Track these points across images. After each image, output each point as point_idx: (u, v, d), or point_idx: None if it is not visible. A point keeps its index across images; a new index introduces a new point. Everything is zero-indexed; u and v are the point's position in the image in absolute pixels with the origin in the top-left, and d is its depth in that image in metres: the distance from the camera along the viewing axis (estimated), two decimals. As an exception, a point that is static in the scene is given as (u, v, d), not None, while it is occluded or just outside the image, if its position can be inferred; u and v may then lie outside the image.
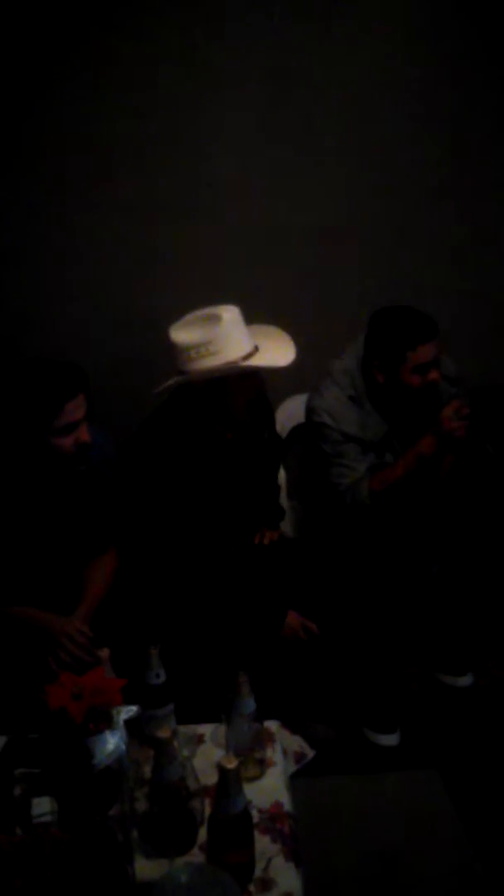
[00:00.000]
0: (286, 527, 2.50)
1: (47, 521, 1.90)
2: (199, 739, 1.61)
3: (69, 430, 1.79)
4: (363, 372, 2.22)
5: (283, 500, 2.52)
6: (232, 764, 1.20)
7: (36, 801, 1.38)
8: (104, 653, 1.53)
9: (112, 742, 1.19)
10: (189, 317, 1.96)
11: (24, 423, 1.77)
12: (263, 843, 1.34)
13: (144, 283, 2.60)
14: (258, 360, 1.95)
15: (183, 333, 1.92)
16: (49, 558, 1.92)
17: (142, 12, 2.36)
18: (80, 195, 2.50)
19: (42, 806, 1.36)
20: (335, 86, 2.50)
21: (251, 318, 1.99)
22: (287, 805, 1.44)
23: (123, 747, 1.21)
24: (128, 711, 1.24)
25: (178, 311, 1.99)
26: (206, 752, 1.56)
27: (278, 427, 2.48)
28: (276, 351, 2.01)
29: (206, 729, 1.62)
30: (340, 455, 2.19)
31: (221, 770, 1.21)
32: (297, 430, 2.56)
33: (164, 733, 1.28)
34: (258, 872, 1.29)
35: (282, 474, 2.52)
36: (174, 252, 2.58)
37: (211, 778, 1.43)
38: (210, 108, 2.47)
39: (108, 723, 1.18)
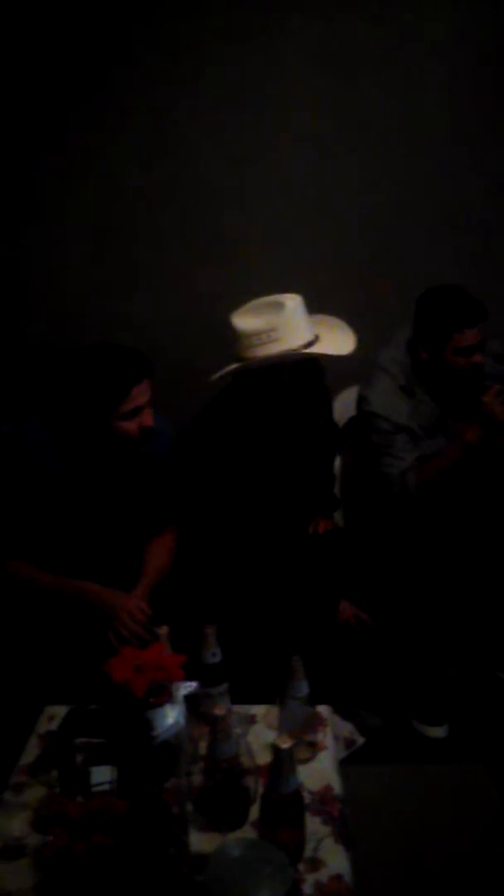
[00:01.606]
0: (340, 516, 2.51)
1: (109, 500, 1.96)
2: (252, 720, 1.64)
3: (134, 414, 1.83)
4: (410, 351, 2.21)
5: (338, 490, 2.53)
6: (287, 744, 1.23)
7: (95, 769, 1.44)
8: (163, 630, 1.56)
9: (171, 716, 1.23)
10: (251, 304, 1.99)
11: (91, 406, 1.82)
12: (314, 825, 1.37)
13: (204, 271, 2.62)
14: (318, 349, 1.96)
15: (245, 320, 1.94)
16: (110, 536, 1.98)
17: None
18: (140, 185, 2.54)
19: (101, 775, 1.42)
20: (398, 77, 2.47)
21: (309, 308, 2.01)
22: (337, 789, 1.46)
23: (182, 722, 1.25)
24: (187, 687, 1.27)
25: (236, 301, 2.02)
26: (259, 733, 1.59)
27: (336, 417, 2.49)
28: (337, 340, 2.03)
29: (258, 710, 1.66)
30: (389, 445, 2.19)
31: (276, 750, 1.24)
32: (352, 421, 2.56)
33: (220, 710, 1.32)
34: (308, 853, 1.32)
35: (337, 464, 2.53)
36: (234, 241, 2.60)
37: (263, 758, 1.48)
38: (275, 100, 2.48)
39: (168, 697, 1.22)
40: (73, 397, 1.85)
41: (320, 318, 2.09)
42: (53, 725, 1.62)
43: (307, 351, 1.95)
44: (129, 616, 1.85)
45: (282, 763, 1.24)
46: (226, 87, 2.46)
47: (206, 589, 1.97)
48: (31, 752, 1.56)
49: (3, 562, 1.93)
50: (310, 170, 2.54)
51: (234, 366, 1.98)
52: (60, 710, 1.65)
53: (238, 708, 1.63)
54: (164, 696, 1.21)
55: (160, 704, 1.21)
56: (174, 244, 2.60)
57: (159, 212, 2.57)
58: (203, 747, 1.44)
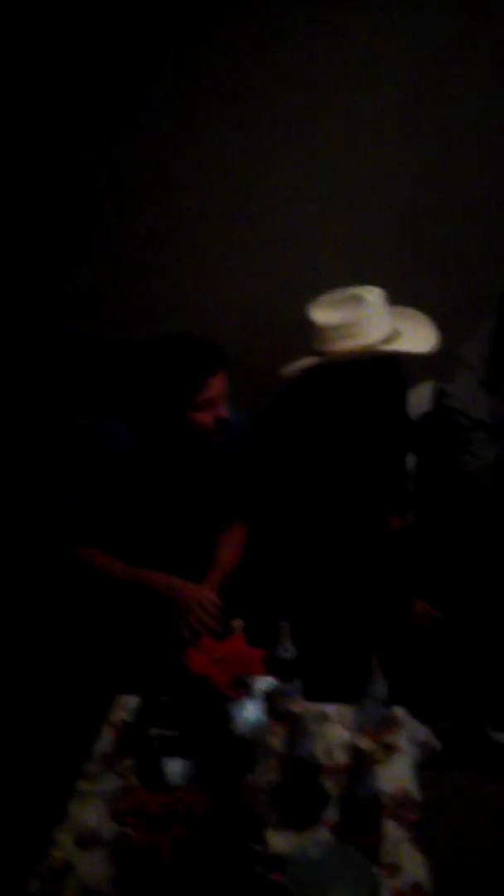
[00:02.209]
0: (413, 513, 2.45)
1: (182, 491, 1.96)
2: (326, 718, 1.61)
3: (209, 406, 1.83)
4: (494, 345, 2.13)
5: (411, 486, 2.47)
6: (367, 745, 1.20)
7: (169, 762, 1.43)
8: (237, 623, 1.54)
9: (251, 711, 1.20)
10: (329, 296, 1.94)
11: (166, 397, 1.82)
12: (390, 829, 1.33)
13: (275, 263, 2.59)
14: (399, 345, 1.91)
15: (323, 313, 1.90)
16: (182, 527, 1.98)
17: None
18: (214, 180, 2.53)
19: (175, 767, 1.41)
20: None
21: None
22: (413, 793, 1.42)
23: (263, 717, 1.22)
24: (266, 682, 1.25)
25: (310, 293, 1.97)
26: (333, 732, 1.56)
27: (409, 411, 2.43)
28: (418, 336, 1.97)
29: (332, 709, 1.62)
30: (468, 441, 2.12)
31: (356, 751, 1.20)
32: (427, 417, 2.50)
33: (298, 708, 1.30)
34: (385, 857, 1.28)
35: (410, 460, 2.47)
36: (308, 233, 2.56)
37: (339, 757, 1.45)
38: (342, 88, 2.43)
39: (247, 691, 1.20)
40: (149, 389, 1.86)
41: (401, 310, 2.03)
42: (126, 714, 1.62)
43: (386, 347, 1.89)
44: (200, 607, 1.84)
45: (362, 764, 1.21)
46: (289, 80, 2.42)
47: (279, 584, 1.94)
48: (105, 740, 1.57)
49: (73, 549, 1.94)
50: (380, 160, 2.48)
51: (309, 360, 1.94)
52: (133, 700, 1.66)
53: (311, 705, 1.60)
54: (243, 690, 1.19)
55: (240, 698, 1.18)
56: (243, 234, 2.58)
57: (224, 201, 2.55)
58: (275, 743, 1.42)
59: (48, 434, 2.39)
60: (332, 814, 1.31)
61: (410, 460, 2.44)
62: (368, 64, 2.40)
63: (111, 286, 2.63)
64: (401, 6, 2.34)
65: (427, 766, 1.60)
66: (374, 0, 2.35)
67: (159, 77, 2.45)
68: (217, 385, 1.82)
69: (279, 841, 1.26)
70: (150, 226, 2.59)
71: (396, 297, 2.03)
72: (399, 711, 1.58)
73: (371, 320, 1.86)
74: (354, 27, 2.37)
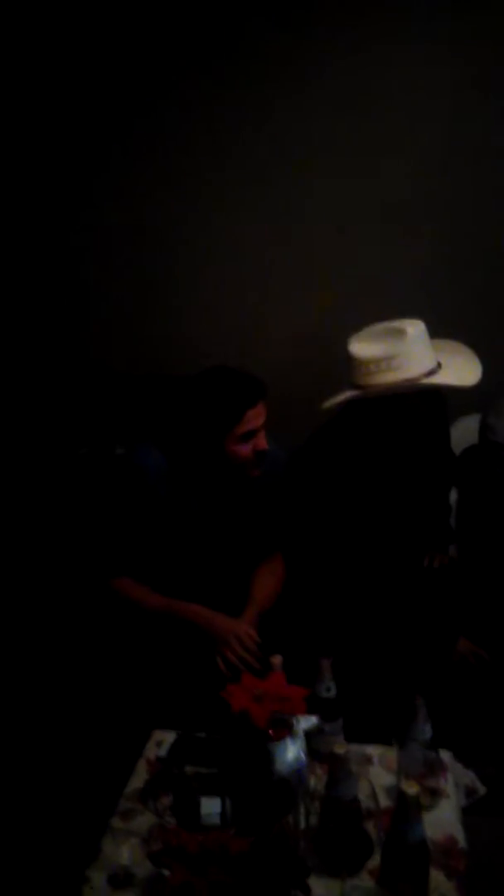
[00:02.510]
0: (455, 550, 2.40)
1: (220, 523, 1.94)
2: (368, 760, 1.56)
3: (248, 438, 1.82)
4: None
5: (453, 522, 2.42)
6: (414, 790, 1.15)
7: (205, 801, 1.39)
8: (276, 660, 1.51)
9: (292, 751, 1.17)
10: (370, 329, 1.91)
11: (205, 429, 1.81)
12: (436, 879, 1.27)
13: (316, 296, 2.59)
14: (442, 379, 1.87)
15: (363, 346, 1.87)
16: (219, 560, 1.95)
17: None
18: (247, 208, 2.55)
19: (210, 806, 1.37)
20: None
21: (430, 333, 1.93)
22: (462, 841, 1.36)
23: (304, 758, 1.19)
24: (307, 721, 1.21)
25: (350, 326, 1.95)
26: (375, 775, 1.51)
27: (452, 445, 2.39)
28: (461, 369, 1.93)
29: (374, 750, 1.58)
30: None
31: (402, 795, 1.16)
32: (470, 451, 2.45)
33: (340, 749, 1.25)
34: (431, 909, 1.22)
35: (453, 495, 2.42)
36: (346, 262, 2.56)
37: (383, 801, 1.39)
38: (387, 117, 2.45)
39: (289, 730, 1.16)
40: (188, 420, 1.85)
41: (443, 343, 2.00)
42: (162, 750, 1.59)
43: (428, 381, 1.86)
44: (238, 641, 1.81)
45: (408, 810, 1.16)
46: (335, 99, 2.44)
47: (319, 620, 1.90)
48: (140, 776, 1.54)
49: (109, 580, 1.93)
50: (418, 187, 2.48)
51: (349, 393, 1.91)
52: (169, 736, 1.63)
53: (353, 747, 1.55)
54: (285, 729, 1.15)
55: (281, 738, 1.15)
56: (282, 266, 2.59)
57: (261, 233, 2.56)
58: (315, 785, 1.38)
59: (86, 464, 2.40)
60: (375, 861, 1.26)
61: (452, 495, 2.40)
62: (402, 90, 2.41)
63: (145, 319, 2.66)
64: (431, 32, 2.36)
65: (470, 811, 1.54)
66: (406, 27, 2.37)
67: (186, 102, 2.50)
68: (256, 417, 1.81)
69: (320, 888, 1.21)
70: (186, 258, 2.63)
71: (440, 330, 2.01)
72: (444, 755, 1.53)
73: (413, 353, 1.83)
74: (389, 53, 2.39)
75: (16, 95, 2.57)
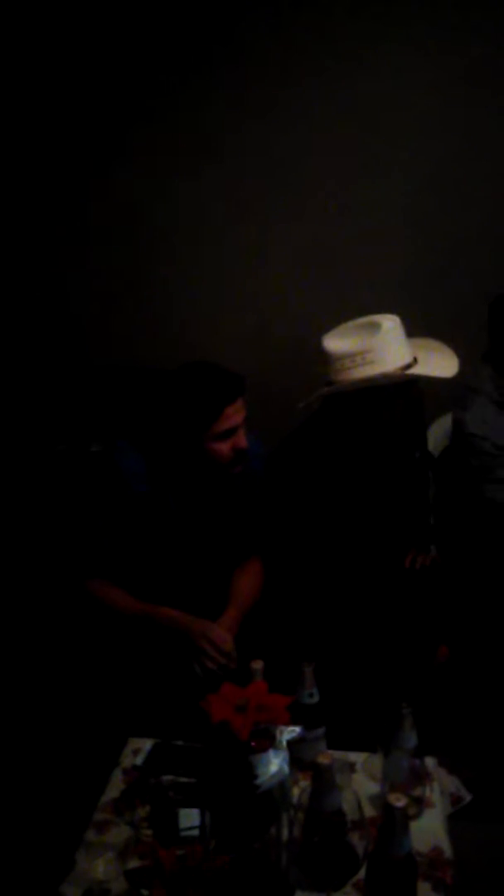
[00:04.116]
0: (435, 549, 2.37)
1: (199, 522, 1.89)
2: (351, 768, 1.52)
3: (228, 435, 1.76)
4: (498, 368, 2.06)
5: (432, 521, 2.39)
6: (401, 802, 1.11)
7: (183, 812, 1.34)
8: (257, 665, 1.46)
9: (275, 763, 1.12)
10: (343, 326, 1.88)
11: (183, 426, 1.76)
12: (423, 891, 1.23)
13: (292, 291, 2.55)
14: (418, 370, 1.84)
15: (337, 341, 1.83)
16: (197, 560, 1.90)
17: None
18: (229, 206, 2.50)
19: (189, 818, 1.32)
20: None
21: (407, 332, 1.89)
22: (448, 851, 1.33)
23: (287, 770, 1.14)
24: (290, 732, 1.16)
25: (330, 320, 1.91)
26: (359, 783, 1.47)
27: (430, 447, 2.36)
28: (438, 362, 1.90)
29: (357, 757, 1.54)
30: (492, 469, 2.05)
31: (389, 809, 1.11)
32: (447, 451, 2.43)
33: (324, 759, 1.20)
34: (419, 924, 1.18)
35: (431, 493, 2.39)
36: (324, 259, 2.51)
37: (366, 812, 1.35)
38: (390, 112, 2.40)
39: (271, 741, 1.11)
40: (165, 417, 1.80)
41: (419, 341, 1.97)
42: (138, 759, 1.54)
43: (407, 372, 1.82)
44: (212, 645, 1.76)
45: (395, 824, 1.11)
46: (333, 100, 2.39)
47: (300, 623, 1.85)
48: (115, 786, 1.48)
49: (83, 581, 1.87)
50: (396, 184, 2.45)
51: (324, 390, 1.87)
52: (145, 744, 1.58)
53: (336, 754, 1.51)
54: (267, 740, 1.10)
55: (264, 750, 1.10)
56: (259, 262, 2.53)
57: (238, 226, 2.51)
58: (302, 797, 1.33)
59: (63, 461, 2.33)
60: (360, 874, 1.22)
61: (431, 493, 2.37)
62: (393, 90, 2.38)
63: (125, 310, 2.60)
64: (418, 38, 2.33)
65: (456, 816, 1.50)
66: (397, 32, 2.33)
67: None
68: (236, 414, 1.76)
69: (304, 904, 1.17)
70: (163, 248, 2.56)
71: (417, 329, 1.97)
72: (429, 762, 1.49)
73: (388, 347, 1.79)
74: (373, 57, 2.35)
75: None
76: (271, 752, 1.11)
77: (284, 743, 1.13)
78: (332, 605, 1.89)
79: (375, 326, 1.79)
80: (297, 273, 2.56)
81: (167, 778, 1.45)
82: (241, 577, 1.96)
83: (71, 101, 2.47)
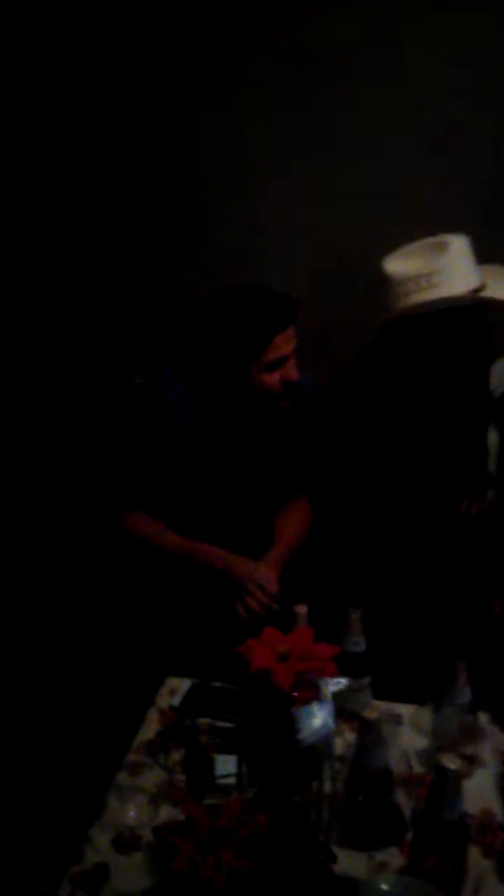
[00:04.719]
0: (494, 496, 2.23)
1: (245, 458, 1.79)
2: (397, 720, 1.43)
3: (277, 366, 1.64)
4: None
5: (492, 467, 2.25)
6: (455, 765, 1.02)
7: (220, 759, 1.28)
8: (302, 609, 1.37)
9: (319, 717, 1.03)
10: (406, 247, 1.72)
11: (229, 356, 1.64)
12: (473, 857, 1.15)
13: (351, 215, 2.35)
14: (489, 293, 1.68)
15: (399, 263, 1.68)
16: (242, 497, 1.81)
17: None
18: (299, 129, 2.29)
19: (226, 765, 1.26)
20: None
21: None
22: (500, 815, 1.24)
23: (331, 724, 1.05)
24: (336, 684, 1.07)
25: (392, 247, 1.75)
26: (405, 737, 1.38)
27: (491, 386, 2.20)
28: None
29: (405, 710, 1.45)
30: None
31: (440, 770, 1.02)
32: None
33: (370, 714, 1.12)
34: (467, 892, 1.10)
35: (492, 438, 2.24)
36: (389, 182, 2.30)
37: (413, 768, 1.27)
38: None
39: (315, 693, 1.02)
40: (211, 346, 1.68)
41: (490, 268, 1.80)
42: (175, 700, 1.48)
43: (477, 295, 1.66)
44: (256, 585, 1.67)
45: (446, 786, 1.03)
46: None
47: (348, 567, 1.76)
48: (150, 728, 1.43)
49: (122, 515, 1.79)
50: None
51: (382, 316, 1.72)
52: (183, 684, 1.52)
53: (381, 705, 1.43)
54: (312, 692, 1.02)
55: (307, 702, 1.01)
56: (317, 181, 2.33)
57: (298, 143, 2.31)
58: (345, 751, 1.26)
59: (105, 392, 2.24)
60: (407, 835, 1.14)
61: (492, 439, 2.22)
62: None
63: (175, 234, 2.44)
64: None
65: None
66: None
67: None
68: (286, 343, 1.63)
69: (347, 865, 1.10)
70: (215, 172, 2.39)
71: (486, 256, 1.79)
72: (483, 718, 1.40)
73: (455, 268, 1.63)
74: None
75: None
76: (315, 705, 1.02)
77: (330, 696, 1.04)
78: (381, 549, 1.79)
79: (442, 246, 1.63)
80: (360, 197, 2.35)
81: (204, 721, 1.39)
82: (287, 515, 1.87)
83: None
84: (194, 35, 2.23)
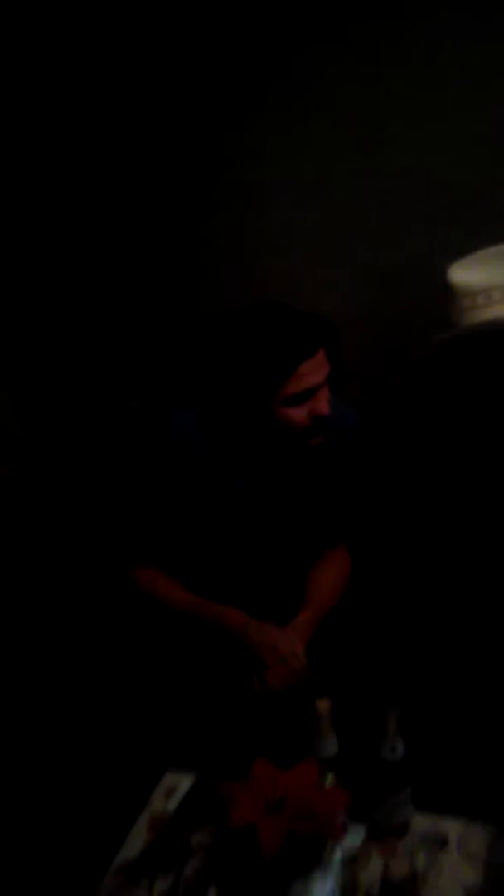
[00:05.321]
0: None
1: (269, 504, 1.53)
2: (443, 842, 1.15)
3: (303, 399, 1.37)
4: None
5: None
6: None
7: (213, 890, 1.03)
8: (323, 706, 1.11)
9: (320, 889, 0.76)
10: (479, 253, 1.46)
11: (248, 387, 1.38)
12: None
13: (407, 220, 2.05)
14: None
15: (471, 272, 1.42)
16: (268, 551, 1.56)
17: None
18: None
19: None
20: None
21: None
22: None
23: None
24: (347, 846, 0.80)
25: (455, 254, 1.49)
26: (452, 866, 1.10)
27: None
28: None
29: (452, 826, 1.16)
30: None
31: None
32: None
33: (400, 872, 0.84)
34: None
35: None
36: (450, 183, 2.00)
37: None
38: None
39: (316, 860, 0.76)
40: (224, 376, 1.43)
41: None
42: (171, 803, 1.23)
43: None
44: (284, 661, 1.41)
45: None
46: None
47: (388, 648, 1.47)
48: (138, 840, 1.18)
49: (131, 569, 1.57)
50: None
51: (449, 332, 1.46)
52: (184, 781, 1.27)
53: (421, 819, 1.15)
54: (310, 857, 0.75)
55: (304, 872, 0.75)
56: (367, 182, 2.04)
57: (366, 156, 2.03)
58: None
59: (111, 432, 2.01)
60: None
61: None
62: None
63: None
64: None
65: None
66: None
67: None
68: (314, 372, 1.36)
69: None
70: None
71: None
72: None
73: None
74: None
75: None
76: (316, 877, 0.76)
77: (337, 861, 0.77)
78: (434, 622, 1.49)
79: None
80: (416, 200, 2.05)
81: (202, 837, 1.14)
82: (321, 569, 1.60)
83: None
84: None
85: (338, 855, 0.78)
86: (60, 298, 2.30)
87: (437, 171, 1.88)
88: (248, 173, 2.02)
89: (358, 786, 1.08)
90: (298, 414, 1.38)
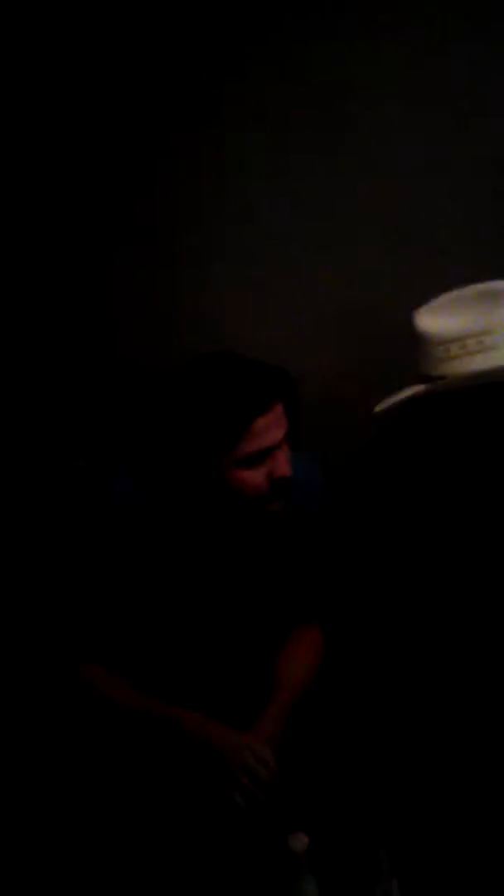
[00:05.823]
0: None
1: (226, 581, 1.37)
2: None
3: (259, 459, 1.22)
4: None
5: None
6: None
7: None
8: (299, 843, 0.90)
9: None
10: (448, 297, 1.37)
11: (195, 448, 1.23)
12: None
13: (371, 259, 1.93)
14: None
15: (441, 318, 1.32)
16: (225, 638, 1.38)
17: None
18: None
19: None
20: None
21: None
22: None
23: None
24: None
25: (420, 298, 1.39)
26: None
27: None
28: None
29: None
30: None
31: None
32: None
33: None
34: None
35: None
36: (423, 217, 1.89)
37: None
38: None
39: None
40: (173, 433, 1.27)
41: None
42: None
43: None
44: (246, 773, 1.20)
45: None
46: None
47: (372, 765, 1.26)
48: None
49: (74, 666, 1.37)
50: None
51: (419, 387, 1.34)
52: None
53: None
54: None
55: None
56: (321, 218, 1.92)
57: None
58: None
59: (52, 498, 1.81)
60: None
61: None
62: None
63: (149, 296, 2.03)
64: None
65: None
66: None
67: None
68: (271, 429, 1.21)
69: None
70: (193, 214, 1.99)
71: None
72: None
73: None
74: None
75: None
76: None
77: None
78: (425, 724, 1.29)
79: (496, 296, 1.30)
80: (380, 239, 1.93)
81: None
82: (289, 654, 1.41)
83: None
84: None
85: None
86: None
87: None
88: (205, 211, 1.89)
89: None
90: (255, 477, 1.23)
